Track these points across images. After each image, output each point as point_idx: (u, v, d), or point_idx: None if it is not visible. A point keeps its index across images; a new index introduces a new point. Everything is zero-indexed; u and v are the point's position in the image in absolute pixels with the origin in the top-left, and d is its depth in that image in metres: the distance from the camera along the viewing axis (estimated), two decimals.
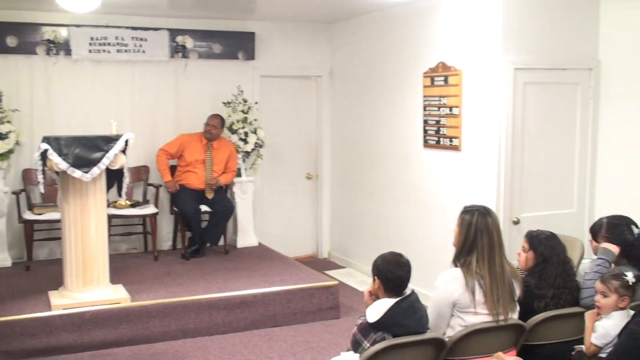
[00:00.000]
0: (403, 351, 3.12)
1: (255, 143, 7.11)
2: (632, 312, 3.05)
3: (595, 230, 3.90)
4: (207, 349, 5.11)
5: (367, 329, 3.17)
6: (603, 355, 3.02)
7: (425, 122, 6.16)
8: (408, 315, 3.16)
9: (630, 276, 3.09)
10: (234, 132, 7.03)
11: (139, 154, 6.92)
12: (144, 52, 6.90)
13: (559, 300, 3.59)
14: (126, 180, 5.39)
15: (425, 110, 6.15)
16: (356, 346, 3.19)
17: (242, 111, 7.09)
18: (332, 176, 8.05)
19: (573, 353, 3.24)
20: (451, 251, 3.50)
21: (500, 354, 2.54)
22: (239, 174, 7.15)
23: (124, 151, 5.19)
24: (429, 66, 6.06)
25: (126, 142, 5.17)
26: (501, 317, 3.33)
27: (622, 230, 3.74)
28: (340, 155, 7.86)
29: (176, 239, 7.13)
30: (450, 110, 5.80)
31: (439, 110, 5.96)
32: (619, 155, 5.49)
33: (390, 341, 3.07)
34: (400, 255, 3.30)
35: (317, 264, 7.61)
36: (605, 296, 3.13)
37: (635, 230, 3.75)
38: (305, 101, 8.06)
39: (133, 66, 6.97)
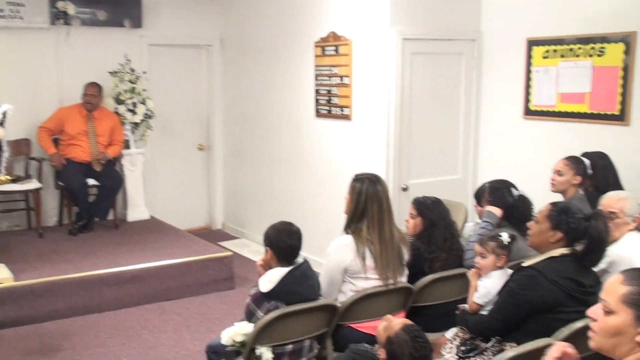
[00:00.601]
0: (296, 319, 3.17)
1: (145, 114, 6.90)
2: (510, 271, 3.21)
3: (479, 195, 4.07)
4: (97, 326, 4.97)
5: (261, 298, 3.18)
6: (484, 312, 3.17)
7: (317, 91, 6.19)
8: (300, 283, 3.20)
9: (505, 237, 3.25)
10: (121, 102, 6.78)
11: (19, 127, 6.51)
12: (21, 18, 6.50)
13: (447, 262, 3.74)
14: (5, 154, 5.09)
15: (316, 80, 6.18)
16: (250, 316, 3.20)
17: (130, 81, 6.84)
18: (224, 147, 7.96)
19: (457, 312, 3.39)
20: (342, 219, 3.57)
21: (389, 316, 2.61)
22: (127, 146, 6.92)
23: (2, 123, 4.90)
24: (320, 36, 6.07)
25: (4, 113, 4.89)
26: (390, 281, 3.44)
27: (503, 193, 3.92)
28: (232, 126, 7.77)
29: (62, 215, 6.84)
30: (341, 79, 5.86)
31: (330, 79, 6.01)
32: (499, 123, 5.75)
33: (284, 309, 3.10)
34: (290, 224, 3.32)
35: (211, 235, 7.54)
36: (483, 257, 3.28)
37: (515, 192, 3.94)
38: (196, 71, 7.88)
39: (9, 33, 6.54)
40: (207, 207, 8.16)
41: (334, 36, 5.89)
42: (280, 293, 3.15)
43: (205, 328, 4.96)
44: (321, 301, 3.29)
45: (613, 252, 3.26)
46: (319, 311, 3.26)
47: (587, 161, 4.28)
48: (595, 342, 1.88)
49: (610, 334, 1.83)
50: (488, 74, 5.81)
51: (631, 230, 3.49)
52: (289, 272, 3.18)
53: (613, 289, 1.85)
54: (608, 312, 1.84)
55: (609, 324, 1.84)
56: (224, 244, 7.07)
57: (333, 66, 5.95)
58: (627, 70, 4.71)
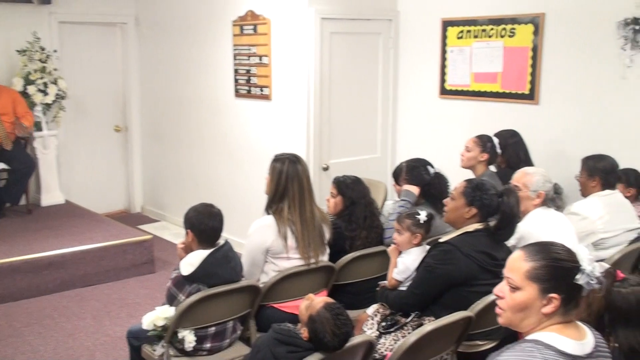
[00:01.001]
0: (218, 301, 3.16)
1: (57, 94, 6.63)
2: (427, 247, 3.31)
3: (397, 174, 4.15)
4: (11, 315, 4.80)
5: (182, 282, 3.15)
6: (404, 288, 3.26)
7: (236, 71, 6.13)
8: (222, 265, 3.19)
9: (422, 215, 3.34)
10: (31, 82, 6.48)
11: None
12: None
13: (367, 240, 3.81)
14: None
15: (235, 59, 6.12)
16: (171, 300, 3.17)
17: (40, 60, 6.55)
18: (142, 128, 7.77)
19: (378, 289, 3.46)
20: (263, 199, 3.57)
21: (311, 295, 2.65)
22: (39, 128, 6.65)
23: None
24: (238, 14, 6.00)
25: None
26: (312, 261, 3.47)
27: (420, 172, 4.01)
28: (150, 107, 7.59)
29: None
30: (260, 59, 5.82)
31: (249, 59, 5.96)
32: (416, 102, 5.86)
33: (205, 292, 3.09)
34: (211, 206, 3.30)
35: (130, 218, 7.39)
36: (400, 234, 3.36)
37: (432, 170, 4.04)
38: (110, 50, 7.61)
39: None
40: (125, 190, 7.96)
41: (252, 15, 5.83)
42: (201, 276, 3.13)
43: (126, 313, 4.88)
44: (243, 282, 3.29)
45: (520, 228, 3.38)
46: (241, 292, 3.27)
47: (495, 140, 4.43)
48: (504, 318, 1.96)
49: (518, 309, 1.90)
50: (405, 54, 5.90)
51: (537, 205, 3.61)
52: (210, 254, 3.16)
53: (516, 265, 1.92)
54: (514, 288, 1.91)
55: (516, 300, 1.90)
56: (144, 227, 6.94)
57: (252, 45, 5.89)
58: (536, 50, 4.89)
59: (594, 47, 4.58)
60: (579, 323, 1.92)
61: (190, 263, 3.14)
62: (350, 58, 5.69)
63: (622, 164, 4.07)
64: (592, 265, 1.86)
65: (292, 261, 3.46)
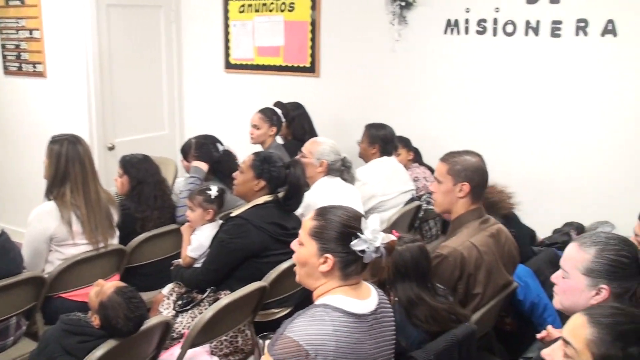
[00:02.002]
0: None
1: None
2: (220, 222, 3.33)
3: (186, 150, 4.10)
4: None
5: None
6: (198, 265, 3.25)
7: (4, 47, 5.62)
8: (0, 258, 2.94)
9: (213, 191, 3.35)
10: None
11: None
12: None
13: (159, 220, 3.73)
14: None
15: (2, 33, 5.60)
16: None
17: None
18: None
19: (172, 268, 3.42)
20: (43, 184, 3.34)
21: (100, 281, 2.54)
22: None
23: None
24: None
25: None
26: (101, 245, 3.33)
27: (209, 149, 4.00)
28: None
29: None
30: (31, 33, 5.38)
31: (17, 33, 5.48)
32: (202, 77, 5.82)
33: None
34: None
35: None
36: (193, 211, 3.35)
37: (220, 147, 4.05)
38: None
39: None
40: None
41: None
42: None
43: None
44: (25, 274, 3.06)
45: (307, 197, 3.50)
46: (23, 285, 3.03)
47: (279, 110, 4.55)
48: (298, 274, 2.08)
49: (302, 263, 2.03)
50: (188, 28, 5.81)
51: (321, 174, 3.73)
52: None
53: (305, 224, 2.04)
54: (300, 244, 2.03)
55: (299, 254, 2.03)
56: None
57: (20, 18, 5.43)
58: (314, 24, 5.08)
59: (367, 21, 4.86)
60: (365, 283, 2.05)
61: None
62: (131, 32, 5.47)
63: (397, 131, 4.39)
64: (374, 235, 1.94)
65: (80, 247, 3.28)
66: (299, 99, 4.91)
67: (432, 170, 4.41)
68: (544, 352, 1.57)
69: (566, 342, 1.49)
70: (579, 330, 1.47)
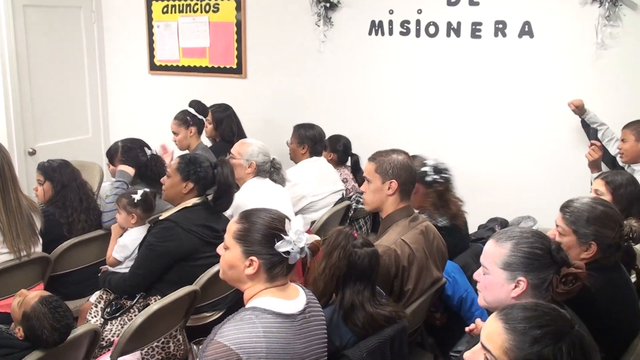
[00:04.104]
0: None
1: None
2: (149, 226, 3.27)
3: (112, 154, 3.99)
4: None
5: None
6: (126, 270, 3.18)
7: None
8: None
9: (137, 195, 3.29)
10: None
11: None
12: None
13: (87, 224, 3.63)
14: None
15: None
16: None
17: None
18: None
19: (99, 274, 3.34)
20: None
21: (23, 291, 2.45)
22: None
23: None
24: None
25: None
26: (24, 253, 3.21)
27: (136, 153, 3.92)
28: None
29: None
30: None
31: None
32: (126, 79, 5.71)
33: None
34: None
35: None
36: (120, 214, 3.29)
37: (148, 152, 3.98)
38: None
39: None
40: None
41: None
42: None
43: None
44: None
45: (236, 198, 3.46)
46: None
47: (191, 109, 4.47)
48: (222, 272, 2.09)
49: (228, 266, 2.04)
50: (110, 29, 5.69)
51: (250, 175, 3.70)
52: None
53: (230, 227, 2.05)
54: (226, 248, 2.05)
55: (225, 257, 2.05)
56: None
57: None
58: (240, 25, 5.06)
59: (292, 22, 4.88)
60: (292, 283, 2.06)
61: None
62: (50, 33, 5.30)
63: (326, 131, 4.42)
64: (298, 236, 1.96)
65: (1, 256, 3.16)
66: (227, 100, 4.87)
67: (356, 173, 4.49)
68: (466, 355, 1.61)
69: (485, 348, 1.54)
70: (495, 337, 1.51)
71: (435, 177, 3.21)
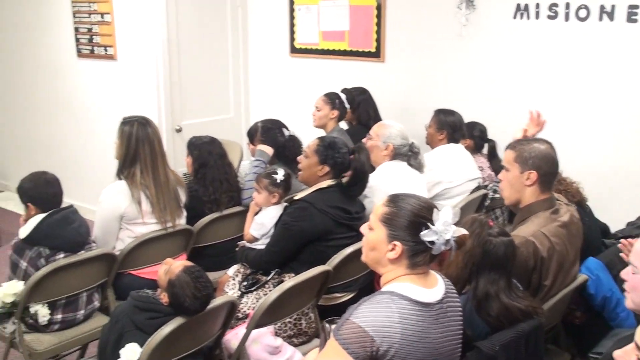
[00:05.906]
0: (72, 271, 3.03)
1: None
2: (285, 205, 3.35)
3: (252, 134, 4.14)
4: None
5: (21, 246, 3.02)
6: (263, 247, 3.29)
7: (77, 30, 5.78)
8: (63, 226, 3.05)
9: (279, 175, 3.37)
10: None
11: None
12: None
13: (225, 202, 3.78)
14: None
15: (75, 17, 5.76)
16: (14, 268, 3.03)
17: None
18: None
19: (237, 249, 3.48)
20: (114, 164, 3.44)
21: (169, 259, 2.60)
22: None
23: None
24: None
25: None
26: (169, 225, 3.41)
27: (275, 133, 4.03)
28: None
29: None
30: (102, 17, 5.53)
31: (90, 17, 5.64)
32: (267, 61, 5.86)
33: (56, 264, 2.95)
34: (44, 173, 3.18)
35: None
36: (259, 193, 3.39)
37: (286, 133, 4.07)
38: None
39: None
40: None
41: None
42: (40, 237, 3.00)
43: None
44: (97, 251, 3.17)
45: (370, 179, 3.43)
46: (96, 261, 3.15)
47: (343, 96, 4.53)
48: (364, 254, 2.08)
49: (370, 247, 2.03)
50: (254, 12, 5.85)
51: (386, 157, 3.67)
52: (47, 216, 3.03)
53: (377, 209, 2.03)
54: (370, 228, 2.03)
55: (369, 238, 2.04)
56: None
57: (92, 2, 5.57)
58: (380, 9, 5.03)
59: (433, 6, 4.78)
60: (432, 272, 2.02)
61: (26, 227, 3.01)
62: (199, 16, 5.54)
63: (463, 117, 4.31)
64: (445, 227, 1.91)
65: (149, 226, 3.37)
66: (364, 84, 4.88)
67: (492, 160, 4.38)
68: (616, 354, 1.51)
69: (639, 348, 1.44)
70: None
71: None
